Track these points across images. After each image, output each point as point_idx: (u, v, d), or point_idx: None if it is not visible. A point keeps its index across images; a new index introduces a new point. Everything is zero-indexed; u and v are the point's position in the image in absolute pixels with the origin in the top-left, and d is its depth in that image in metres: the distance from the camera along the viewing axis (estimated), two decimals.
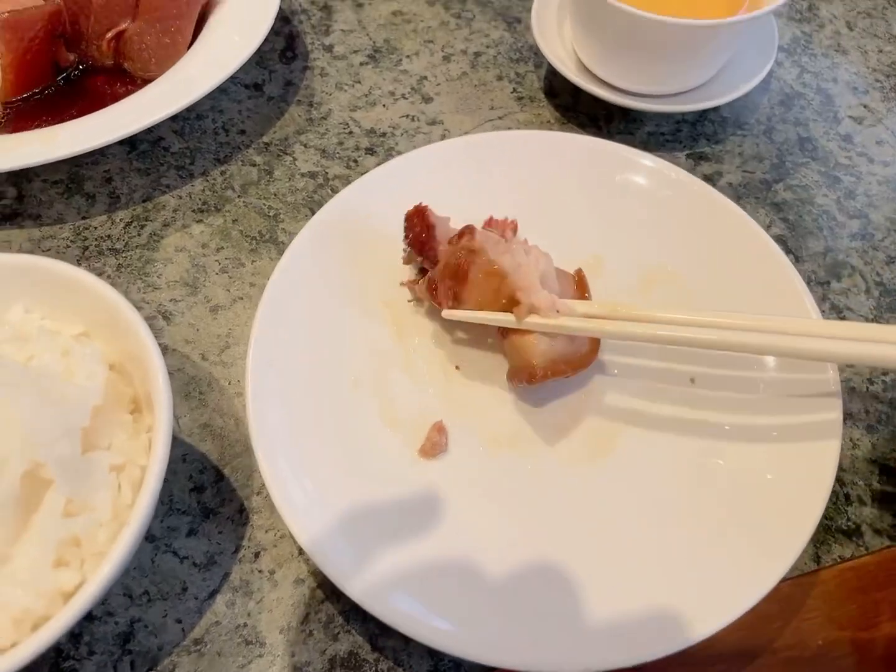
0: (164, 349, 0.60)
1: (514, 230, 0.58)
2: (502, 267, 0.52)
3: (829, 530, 0.53)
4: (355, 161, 0.72)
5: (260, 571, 0.51)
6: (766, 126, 0.76)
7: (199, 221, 0.68)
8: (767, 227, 0.67)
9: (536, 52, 0.80)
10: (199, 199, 0.69)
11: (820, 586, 0.51)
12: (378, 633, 0.49)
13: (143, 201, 0.69)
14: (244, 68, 0.70)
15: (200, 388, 0.59)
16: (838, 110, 0.77)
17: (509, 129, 0.75)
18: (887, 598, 0.50)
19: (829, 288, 0.65)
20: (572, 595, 0.46)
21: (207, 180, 0.70)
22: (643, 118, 0.76)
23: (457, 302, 0.54)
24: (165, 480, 0.44)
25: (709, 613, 0.44)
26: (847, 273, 0.66)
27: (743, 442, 0.52)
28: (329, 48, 0.82)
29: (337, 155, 0.73)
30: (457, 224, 0.57)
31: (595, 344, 0.54)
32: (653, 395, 0.56)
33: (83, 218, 0.68)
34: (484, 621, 0.45)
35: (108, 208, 0.69)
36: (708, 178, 0.71)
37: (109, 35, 0.71)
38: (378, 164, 0.65)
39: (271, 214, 0.68)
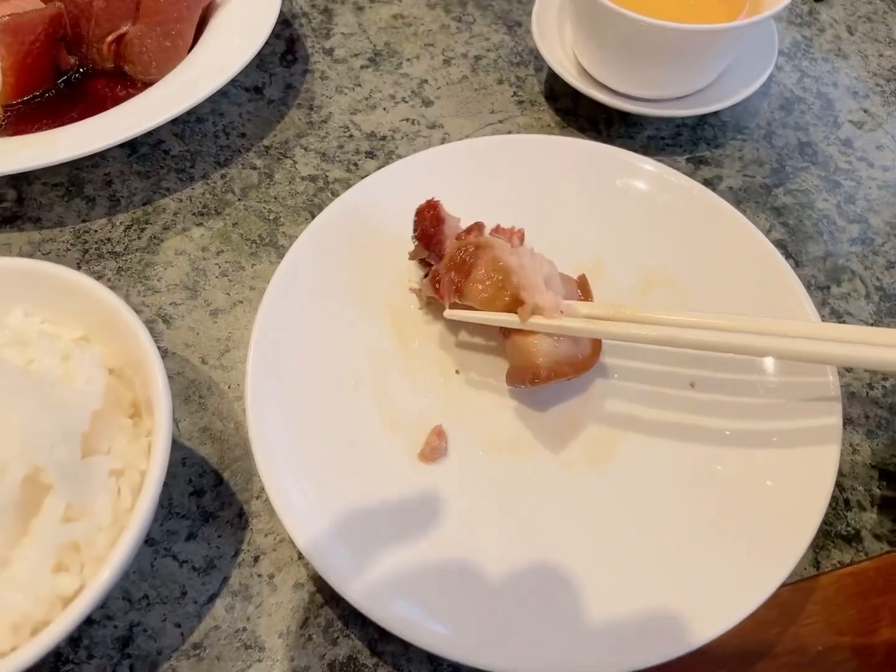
0: (164, 353, 0.60)
1: (522, 239, 0.58)
2: (508, 264, 0.53)
3: (829, 535, 0.53)
4: (355, 164, 0.72)
5: (259, 576, 0.51)
6: (766, 130, 0.76)
7: (200, 225, 0.68)
8: (767, 232, 0.67)
9: (537, 56, 0.80)
10: (200, 203, 0.69)
11: (819, 592, 0.51)
12: (377, 637, 0.49)
13: (144, 204, 0.69)
14: (245, 71, 0.70)
15: (200, 391, 0.59)
16: (838, 115, 0.77)
17: (509, 132, 0.75)
18: (887, 603, 0.50)
19: (829, 293, 0.65)
20: (571, 601, 0.46)
21: (208, 183, 0.71)
22: (643, 122, 0.76)
23: (459, 295, 0.54)
24: (165, 484, 0.44)
25: (708, 619, 0.44)
26: (847, 278, 0.66)
27: (742, 447, 0.52)
28: (329, 51, 0.82)
29: (337, 158, 0.73)
30: (463, 227, 0.57)
31: (597, 347, 0.54)
32: (653, 399, 0.56)
33: (83, 221, 0.68)
34: (483, 626, 0.45)
35: (109, 211, 0.69)
36: (708, 183, 0.71)
37: (110, 38, 0.71)
38: (378, 168, 0.65)
39: (271, 218, 0.68)
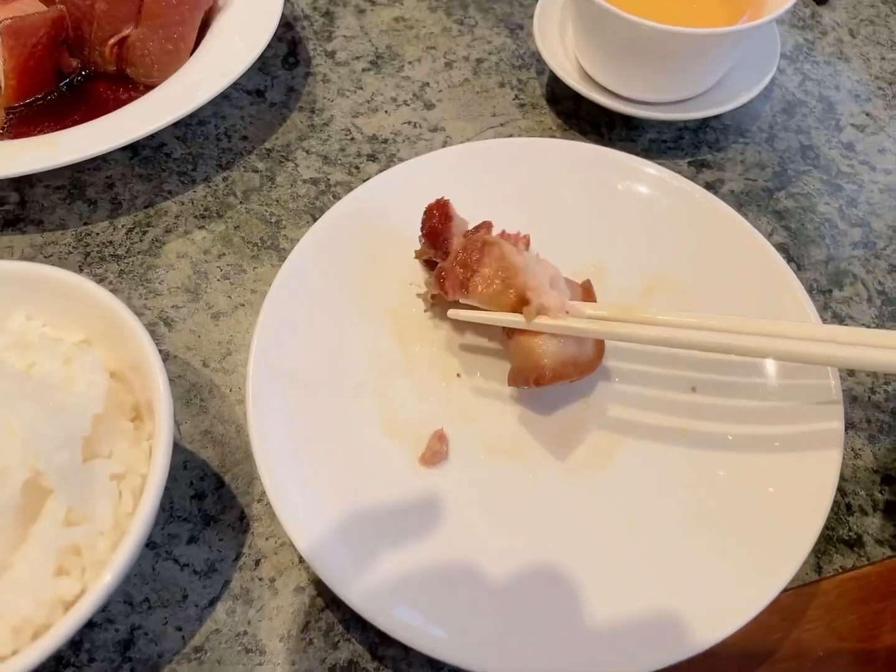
0: (166, 356, 0.60)
1: (527, 244, 0.58)
2: (514, 263, 0.52)
3: (831, 540, 0.53)
4: (357, 167, 0.72)
5: (260, 579, 0.51)
6: (768, 134, 0.76)
7: (201, 227, 0.68)
8: (769, 236, 0.67)
9: (538, 59, 0.80)
10: (201, 206, 0.69)
11: (821, 597, 0.51)
12: (378, 641, 0.49)
13: (145, 207, 0.69)
14: (246, 74, 0.70)
15: (201, 394, 0.59)
16: (840, 118, 0.77)
17: (511, 136, 0.75)
18: (889, 608, 0.50)
19: (830, 296, 0.65)
20: (573, 605, 0.46)
21: (209, 186, 0.71)
22: (645, 125, 0.76)
23: (465, 290, 0.54)
24: (166, 488, 0.44)
25: (709, 624, 0.44)
26: (849, 281, 0.66)
27: (744, 451, 0.52)
28: (331, 54, 0.82)
29: (339, 161, 0.73)
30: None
31: (600, 349, 0.54)
32: (654, 403, 0.55)
33: (85, 224, 0.68)
34: (484, 630, 0.45)
35: (110, 214, 0.69)
36: (710, 186, 0.71)
37: (112, 41, 0.71)
38: (380, 171, 0.65)
39: (273, 221, 0.68)
